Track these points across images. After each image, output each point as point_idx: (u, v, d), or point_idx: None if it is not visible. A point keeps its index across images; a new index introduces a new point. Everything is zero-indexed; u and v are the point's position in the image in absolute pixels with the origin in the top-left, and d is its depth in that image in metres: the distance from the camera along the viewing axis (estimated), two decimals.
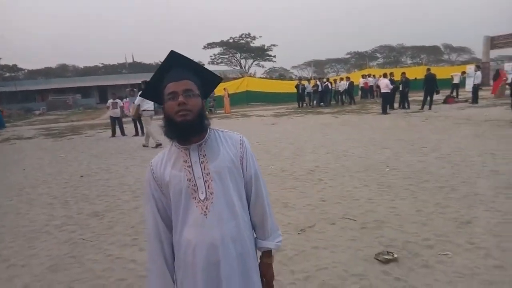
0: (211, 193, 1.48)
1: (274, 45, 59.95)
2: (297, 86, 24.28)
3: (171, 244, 1.55)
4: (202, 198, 1.47)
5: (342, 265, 3.31)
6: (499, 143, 7.99)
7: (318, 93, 23.66)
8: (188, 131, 1.46)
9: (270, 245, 1.62)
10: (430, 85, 16.72)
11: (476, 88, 18.30)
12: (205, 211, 1.46)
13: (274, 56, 60.73)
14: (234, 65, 61.27)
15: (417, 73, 25.28)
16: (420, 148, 8.06)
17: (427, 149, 7.96)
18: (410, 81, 18.29)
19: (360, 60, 74.06)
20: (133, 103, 12.79)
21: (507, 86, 19.47)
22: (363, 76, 28.34)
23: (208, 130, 1.55)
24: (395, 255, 3.38)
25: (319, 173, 6.52)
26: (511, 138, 8.54)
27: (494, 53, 36.27)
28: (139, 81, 39.15)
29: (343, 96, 23.97)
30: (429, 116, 14.02)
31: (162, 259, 1.52)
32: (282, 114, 19.91)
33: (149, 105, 10.96)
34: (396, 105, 18.08)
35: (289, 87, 30.84)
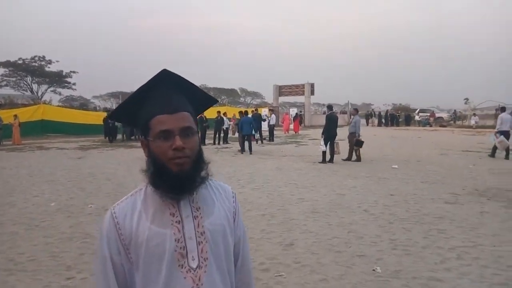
0: (204, 259, 1.14)
1: (74, 72, 54.79)
2: (105, 119, 22.76)
3: None
4: (194, 266, 1.12)
5: None
6: (298, 175, 9.50)
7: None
8: (184, 183, 1.10)
9: None
10: (257, 123, 18.65)
11: (272, 128, 21.31)
12: (197, 284, 1.12)
13: (74, 84, 55.67)
14: (24, 90, 53.11)
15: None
16: (237, 181, 8.80)
17: (243, 181, 8.75)
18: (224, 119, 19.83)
19: None
20: None
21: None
22: None
23: None
24: None
25: None
26: (303, 170, 10.29)
27: (281, 99, 43.28)
28: None
29: None
30: (237, 152, 15.45)
31: None
32: (89, 147, 18.34)
33: None
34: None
35: (94, 118, 28.81)
